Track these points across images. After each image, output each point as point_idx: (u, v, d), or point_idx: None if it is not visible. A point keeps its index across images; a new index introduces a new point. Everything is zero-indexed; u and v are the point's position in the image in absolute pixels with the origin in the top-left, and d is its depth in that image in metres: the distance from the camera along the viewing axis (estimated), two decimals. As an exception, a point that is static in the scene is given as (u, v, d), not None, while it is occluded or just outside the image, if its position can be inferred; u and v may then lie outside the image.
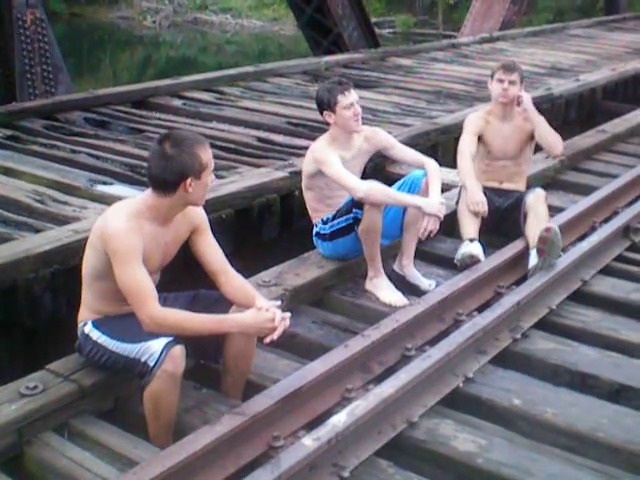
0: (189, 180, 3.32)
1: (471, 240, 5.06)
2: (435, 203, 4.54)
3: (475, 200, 5.11)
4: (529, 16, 41.55)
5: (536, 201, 5.21)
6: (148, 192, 3.41)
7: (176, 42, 36.78)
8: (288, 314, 3.49)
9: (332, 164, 4.58)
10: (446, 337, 4.00)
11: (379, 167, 6.72)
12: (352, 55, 12.46)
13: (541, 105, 9.85)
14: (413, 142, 7.48)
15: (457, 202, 5.36)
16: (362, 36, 13.23)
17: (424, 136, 7.80)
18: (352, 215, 4.58)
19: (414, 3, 47.70)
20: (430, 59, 13.05)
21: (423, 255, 5.23)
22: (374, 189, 4.46)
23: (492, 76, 5.44)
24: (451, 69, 12.16)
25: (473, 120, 5.49)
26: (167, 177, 3.30)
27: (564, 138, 8.37)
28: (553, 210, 6.01)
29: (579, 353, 4.20)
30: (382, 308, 4.52)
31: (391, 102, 9.61)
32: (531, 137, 5.52)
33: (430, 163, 4.80)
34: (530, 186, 5.59)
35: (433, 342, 4.03)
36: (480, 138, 5.45)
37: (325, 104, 4.68)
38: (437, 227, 4.58)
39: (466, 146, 5.37)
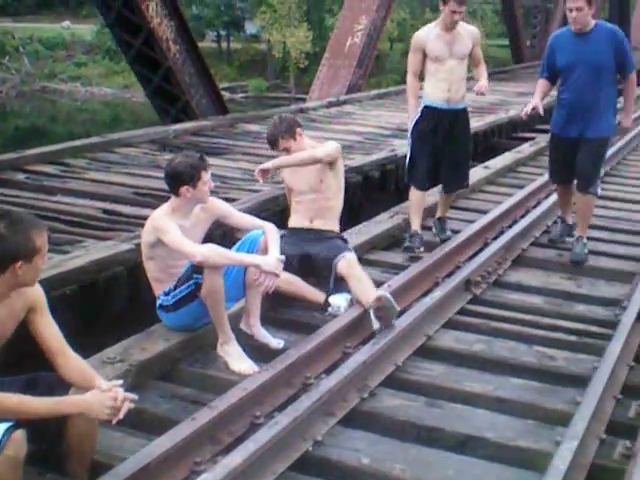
0: (19, 263, 3.26)
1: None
2: (272, 261, 4.67)
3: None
4: (378, 78, 43.03)
5: (349, 267, 5.40)
6: None
7: (25, 111, 36.10)
8: (132, 395, 3.44)
9: (170, 231, 4.61)
10: (294, 402, 4.04)
11: (227, 234, 6.76)
12: (200, 123, 12.54)
13: (386, 166, 10.24)
14: (263, 207, 7.62)
15: None
16: (210, 103, 13.35)
17: (273, 201, 7.91)
18: (193, 281, 4.62)
19: (266, 67, 48.58)
20: (279, 124, 13.25)
21: (272, 320, 5.28)
22: (212, 252, 4.52)
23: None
24: (299, 133, 12.36)
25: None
26: None
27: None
28: (398, 268, 6.21)
29: (425, 408, 4.32)
30: (232, 377, 4.50)
31: (240, 168, 9.71)
32: (329, 167, 5.71)
33: (268, 225, 4.95)
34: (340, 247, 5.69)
35: (282, 408, 4.04)
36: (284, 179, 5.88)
37: (187, 179, 4.67)
38: (274, 283, 4.70)
39: None
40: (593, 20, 6.52)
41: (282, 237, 5.02)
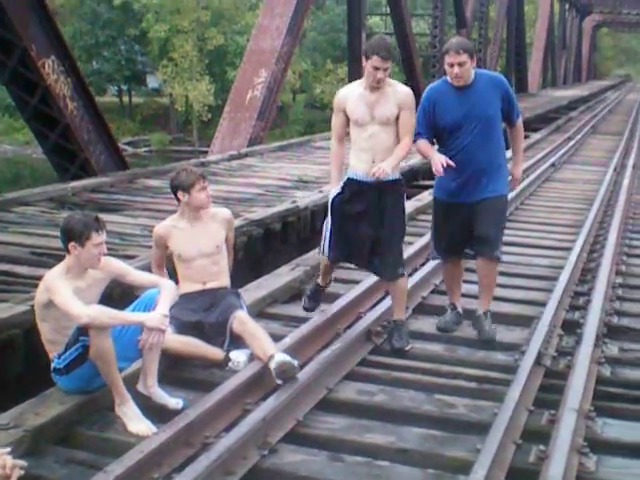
0: None
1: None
2: (157, 316, 4.67)
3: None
4: (282, 129, 43.44)
5: (241, 324, 5.44)
6: None
7: None
8: (21, 462, 3.33)
9: (60, 293, 4.56)
10: (193, 462, 3.96)
11: (127, 292, 6.65)
12: (100, 179, 12.38)
13: (287, 217, 10.28)
14: (161, 264, 7.49)
15: None
16: (110, 159, 13.22)
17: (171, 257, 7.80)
18: (80, 344, 4.57)
19: (169, 121, 48.51)
20: (179, 178, 13.20)
21: (171, 379, 5.19)
22: (98, 313, 4.50)
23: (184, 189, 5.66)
24: (200, 187, 12.33)
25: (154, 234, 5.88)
26: None
27: (312, 248, 8.73)
28: (299, 321, 6.19)
29: (327, 462, 4.28)
30: (130, 439, 4.39)
31: (139, 225, 9.58)
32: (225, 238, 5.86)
33: (165, 283, 4.97)
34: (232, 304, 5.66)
35: (181, 469, 3.96)
36: (168, 247, 5.79)
37: (76, 236, 4.67)
38: (160, 339, 4.69)
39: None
40: (472, 70, 5.78)
41: (176, 304, 5.02)
